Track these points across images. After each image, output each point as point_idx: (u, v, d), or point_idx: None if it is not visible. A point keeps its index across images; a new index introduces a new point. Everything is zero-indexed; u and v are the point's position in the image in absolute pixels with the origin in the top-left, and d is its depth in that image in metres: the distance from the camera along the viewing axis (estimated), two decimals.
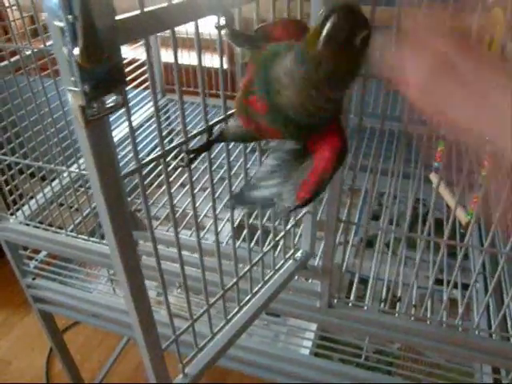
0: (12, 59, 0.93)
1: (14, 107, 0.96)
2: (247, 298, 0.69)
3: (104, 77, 0.33)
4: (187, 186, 1.14)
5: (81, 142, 0.36)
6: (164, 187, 1.18)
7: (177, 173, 1.20)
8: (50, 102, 0.93)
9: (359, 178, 0.78)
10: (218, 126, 0.53)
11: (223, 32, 0.47)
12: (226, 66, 1.51)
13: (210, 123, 0.50)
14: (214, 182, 0.57)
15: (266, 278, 0.72)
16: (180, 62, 1.64)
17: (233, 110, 0.52)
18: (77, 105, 0.33)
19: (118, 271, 0.45)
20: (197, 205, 0.62)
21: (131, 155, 1.31)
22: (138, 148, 1.31)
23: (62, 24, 0.30)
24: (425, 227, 0.72)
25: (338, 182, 0.68)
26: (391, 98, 0.92)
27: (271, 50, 0.45)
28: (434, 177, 1.14)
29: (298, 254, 0.79)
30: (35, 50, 0.90)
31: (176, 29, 0.43)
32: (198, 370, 0.61)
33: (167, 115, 1.57)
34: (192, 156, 0.50)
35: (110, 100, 0.36)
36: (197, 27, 0.45)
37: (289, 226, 0.75)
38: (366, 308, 0.86)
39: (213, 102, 1.43)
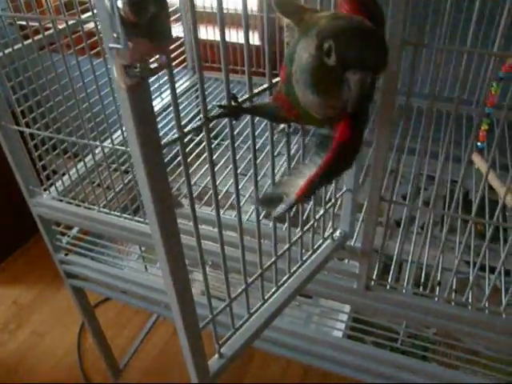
0: (46, 33, 0.92)
1: (47, 82, 0.95)
2: (285, 277, 0.67)
3: (149, 33, 0.30)
4: (221, 163, 1.12)
5: (122, 107, 0.34)
6: (196, 164, 1.17)
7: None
8: (84, 77, 0.91)
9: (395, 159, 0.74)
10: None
11: None
12: (258, 43, 1.47)
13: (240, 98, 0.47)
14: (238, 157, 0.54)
15: (305, 258, 0.69)
16: (205, 37, 1.60)
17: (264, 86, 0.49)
18: (119, 64, 0.31)
19: (157, 246, 0.43)
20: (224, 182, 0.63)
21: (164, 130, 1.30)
22: (169, 125, 1.30)
23: None
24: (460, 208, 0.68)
25: (383, 161, 0.64)
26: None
27: (315, 18, 0.42)
28: (476, 157, 1.09)
29: (337, 234, 0.76)
30: (70, 23, 0.88)
31: (201, 4, 0.39)
32: (234, 350, 0.59)
33: (198, 93, 1.54)
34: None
35: (153, 60, 0.33)
36: None
37: (328, 205, 0.72)
38: (404, 291, 0.83)
39: (237, 78, 1.44)
